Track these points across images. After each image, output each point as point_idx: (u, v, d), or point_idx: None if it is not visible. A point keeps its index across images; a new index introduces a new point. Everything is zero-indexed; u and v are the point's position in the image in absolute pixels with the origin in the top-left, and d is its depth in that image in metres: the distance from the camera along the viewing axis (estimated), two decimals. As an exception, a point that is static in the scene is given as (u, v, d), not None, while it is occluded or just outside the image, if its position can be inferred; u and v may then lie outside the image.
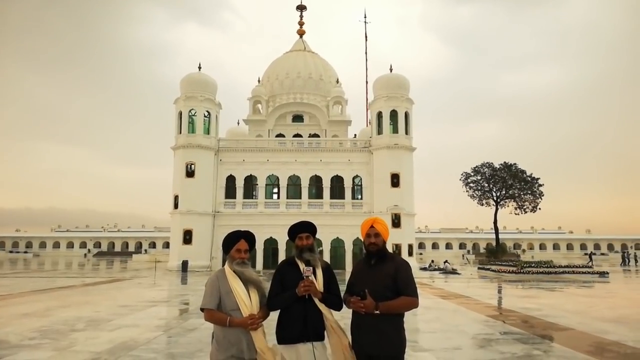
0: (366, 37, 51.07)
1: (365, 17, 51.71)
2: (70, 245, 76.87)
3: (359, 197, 36.03)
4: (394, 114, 35.06)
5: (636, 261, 49.70)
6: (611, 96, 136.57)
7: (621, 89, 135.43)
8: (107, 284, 22.22)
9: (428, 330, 9.70)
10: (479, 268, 33.82)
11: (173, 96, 36.31)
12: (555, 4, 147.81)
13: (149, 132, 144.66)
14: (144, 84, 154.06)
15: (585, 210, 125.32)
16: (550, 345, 8.09)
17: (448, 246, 74.88)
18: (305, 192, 35.54)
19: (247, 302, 3.28)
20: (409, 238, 34.10)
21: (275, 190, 37.09)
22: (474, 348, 8.04)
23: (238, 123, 44.06)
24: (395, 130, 34.96)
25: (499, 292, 18.94)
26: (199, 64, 36.43)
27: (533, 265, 30.01)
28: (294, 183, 36.01)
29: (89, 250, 74.09)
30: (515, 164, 46.81)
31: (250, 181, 36.00)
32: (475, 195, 47.28)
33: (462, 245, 74.36)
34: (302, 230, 3.55)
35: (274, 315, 3.49)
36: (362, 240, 3.55)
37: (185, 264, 30.81)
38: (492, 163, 47.21)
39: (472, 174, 47.54)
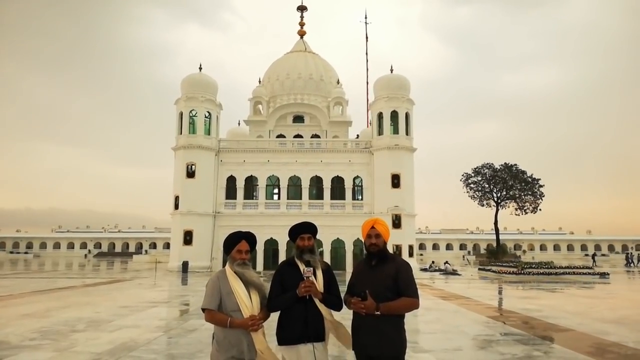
0: (367, 37, 51.07)
1: (365, 17, 51.68)
2: (70, 245, 76.92)
3: (360, 197, 36.03)
4: (394, 115, 35.07)
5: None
6: (610, 96, 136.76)
7: (620, 89, 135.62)
8: (108, 284, 22.23)
9: (428, 331, 9.69)
10: (479, 269, 33.81)
11: (174, 97, 36.37)
12: (554, 4, 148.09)
13: (149, 132, 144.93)
14: (145, 84, 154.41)
15: (586, 210, 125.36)
16: (551, 346, 8.08)
17: (448, 247, 74.86)
18: (305, 192, 35.54)
19: (247, 303, 3.28)
20: (410, 239, 34.09)
21: (276, 191, 37.10)
22: (474, 349, 8.04)
23: (239, 124, 44.08)
24: (395, 130, 34.96)
25: (500, 293, 18.93)
26: (200, 65, 36.57)
27: (533, 266, 30.03)
28: (295, 184, 36.01)
29: (89, 251, 74.13)
30: (515, 164, 46.86)
31: (250, 182, 36.01)
32: (475, 196, 47.33)
33: (462, 246, 74.34)
34: (303, 231, 3.55)
35: (275, 316, 3.49)
36: (363, 241, 3.55)
37: (185, 265, 30.80)
38: (492, 164, 47.25)
39: (473, 174, 47.58)
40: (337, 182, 35.73)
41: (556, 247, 76.18)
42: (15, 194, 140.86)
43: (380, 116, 35.62)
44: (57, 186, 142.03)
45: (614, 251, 74.72)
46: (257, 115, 44.40)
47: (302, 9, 50.92)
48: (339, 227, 33.82)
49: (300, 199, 35.51)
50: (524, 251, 71.57)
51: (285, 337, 3.38)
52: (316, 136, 42.58)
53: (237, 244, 3.43)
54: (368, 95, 44.03)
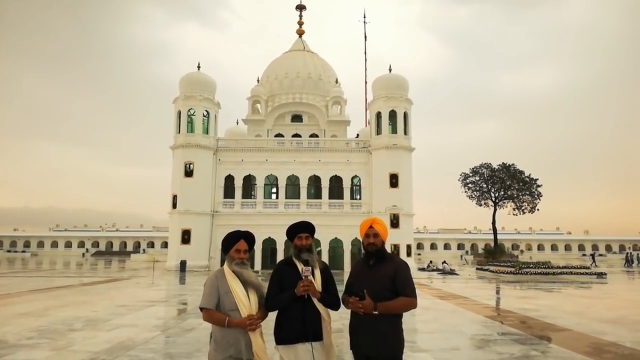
0: (365, 37, 51.06)
1: (364, 17, 51.63)
2: (68, 244, 76.76)
3: (358, 197, 36.05)
4: (393, 114, 35.09)
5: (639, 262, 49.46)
6: (608, 97, 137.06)
7: (618, 89, 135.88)
8: (105, 283, 22.20)
9: (426, 330, 9.70)
10: (477, 269, 33.84)
11: (172, 95, 36.31)
12: (552, 5, 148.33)
13: (147, 131, 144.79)
14: (143, 83, 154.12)
15: (583, 211, 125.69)
16: (548, 346, 8.10)
17: (446, 247, 74.91)
18: (304, 192, 35.54)
19: (245, 302, 3.28)
20: (408, 238, 34.12)
21: (274, 190, 37.10)
22: (472, 349, 8.05)
23: (237, 123, 44.05)
24: (394, 130, 34.97)
25: (497, 292, 18.95)
26: (198, 64, 36.43)
27: (531, 266, 30.08)
28: (293, 183, 36.00)
29: (87, 250, 74.00)
30: (513, 164, 46.93)
31: (249, 181, 35.99)
32: (473, 195, 47.40)
33: (460, 246, 74.41)
34: (301, 230, 3.55)
35: (273, 316, 3.49)
36: (361, 240, 3.55)
37: (183, 264, 30.77)
38: (490, 164, 47.33)
39: (471, 174, 47.65)
40: (336, 181, 35.73)
41: (554, 247, 76.34)
42: (13, 192, 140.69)
43: (378, 116, 35.62)
44: (55, 185, 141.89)
45: (611, 251, 74.91)
46: (256, 115, 44.38)
47: (301, 8, 50.92)
48: (337, 226, 33.83)
49: (299, 198, 35.50)
50: (522, 251, 71.68)
51: (283, 336, 3.38)
52: (314, 135, 42.58)
53: (236, 243, 3.43)
54: (366, 95, 44.08)
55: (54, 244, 76.71)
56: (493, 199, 46.64)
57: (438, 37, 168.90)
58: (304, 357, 3.30)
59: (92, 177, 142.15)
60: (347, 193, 35.51)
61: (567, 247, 76.58)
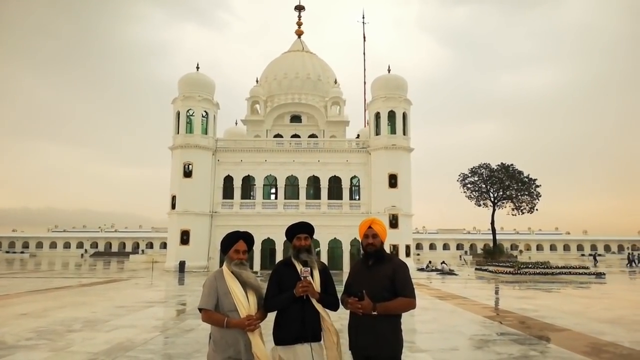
0: (364, 37, 51.10)
1: (363, 17, 51.66)
2: (67, 245, 76.63)
3: (357, 197, 36.05)
4: (392, 115, 35.11)
5: None
6: (606, 97, 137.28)
7: (616, 90, 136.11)
8: (104, 284, 22.17)
9: (425, 331, 9.70)
10: (476, 269, 33.86)
11: (171, 96, 36.31)
12: (551, 5, 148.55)
13: (146, 131, 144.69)
14: (142, 83, 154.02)
15: (582, 211, 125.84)
16: (547, 346, 8.11)
17: (445, 247, 74.91)
18: (303, 192, 35.54)
19: (244, 303, 3.28)
20: (407, 239, 34.12)
21: (273, 190, 37.10)
22: (471, 349, 8.06)
23: (236, 123, 44.06)
24: (393, 131, 34.99)
25: (496, 293, 18.96)
26: (197, 64, 36.38)
27: (530, 266, 30.12)
28: (292, 183, 36.00)
29: (85, 251, 73.91)
30: (512, 164, 47.00)
31: (248, 181, 35.98)
32: (472, 196, 47.47)
33: (459, 246, 74.41)
34: (300, 231, 3.55)
35: (272, 316, 3.49)
36: (360, 240, 3.55)
37: (182, 265, 30.74)
38: (489, 164, 47.39)
39: (470, 174, 47.72)
40: (335, 182, 35.74)
41: (553, 247, 76.38)
42: (12, 193, 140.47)
43: (377, 116, 35.63)
44: (53, 186, 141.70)
45: (610, 251, 74.96)
46: (255, 115, 44.37)
47: (299, 8, 50.94)
48: (336, 227, 33.82)
49: (298, 198, 35.50)
50: (521, 251, 71.72)
51: (283, 337, 3.38)
52: (314, 136, 42.59)
53: (235, 244, 3.43)
54: (365, 95, 44.11)
55: (53, 245, 76.58)
56: (492, 199, 46.70)
57: (437, 37, 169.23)
58: (303, 358, 3.30)
59: (90, 177, 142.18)
60: (346, 193, 35.51)
61: (566, 247, 76.63)
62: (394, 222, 32.80)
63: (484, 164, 47.48)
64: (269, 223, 33.31)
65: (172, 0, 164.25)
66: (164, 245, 53.75)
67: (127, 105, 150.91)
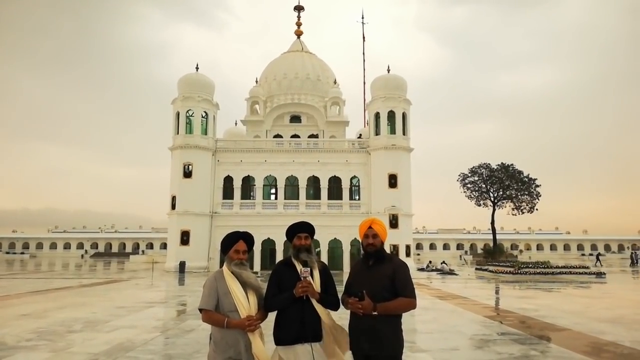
0: (364, 37, 51.04)
1: (362, 17, 51.62)
2: (67, 246, 76.64)
3: (357, 197, 36.04)
4: (391, 115, 35.12)
5: None
6: (605, 97, 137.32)
7: (615, 89, 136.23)
8: (104, 285, 22.16)
9: (425, 330, 9.70)
10: (476, 269, 33.85)
11: (171, 96, 36.25)
12: (549, 5, 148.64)
13: (146, 132, 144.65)
14: (141, 83, 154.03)
15: (582, 210, 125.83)
16: (548, 345, 8.11)
17: (445, 247, 74.95)
18: (302, 192, 35.53)
19: (245, 303, 3.28)
20: (407, 239, 34.12)
21: (273, 191, 37.10)
22: (471, 349, 8.05)
23: (236, 124, 44.04)
24: (392, 131, 34.99)
25: (497, 292, 18.96)
26: (197, 65, 36.34)
27: (530, 265, 30.07)
28: (292, 184, 36.00)
29: (86, 251, 73.91)
30: (512, 164, 46.95)
31: (247, 182, 35.98)
32: (472, 195, 47.41)
33: (459, 246, 74.44)
34: (300, 231, 3.55)
35: (272, 317, 3.49)
36: (360, 241, 3.55)
37: (182, 265, 30.75)
38: (489, 164, 47.33)
39: (469, 174, 47.65)
40: (334, 182, 35.73)
41: (553, 247, 76.41)
42: (12, 194, 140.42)
43: (377, 116, 35.63)
44: (53, 186, 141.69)
45: (610, 251, 74.97)
46: (254, 115, 44.35)
47: (299, 9, 50.92)
48: (336, 227, 33.81)
49: (298, 199, 35.49)
50: (521, 251, 71.75)
51: (283, 337, 3.38)
52: (313, 136, 42.57)
53: (235, 244, 3.43)
54: (365, 95, 44.08)
55: (53, 246, 76.60)
56: (492, 199, 46.64)
57: (435, 37, 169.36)
58: (303, 358, 3.30)
59: (90, 178, 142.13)
60: (346, 193, 35.51)
61: (566, 247, 76.67)
62: (394, 222, 32.80)
63: (484, 163, 47.45)
64: (269, 223, 33.31)
65: (171, 0, 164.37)
66: (164, 246, 53.79)
67: (127, 105, 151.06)
